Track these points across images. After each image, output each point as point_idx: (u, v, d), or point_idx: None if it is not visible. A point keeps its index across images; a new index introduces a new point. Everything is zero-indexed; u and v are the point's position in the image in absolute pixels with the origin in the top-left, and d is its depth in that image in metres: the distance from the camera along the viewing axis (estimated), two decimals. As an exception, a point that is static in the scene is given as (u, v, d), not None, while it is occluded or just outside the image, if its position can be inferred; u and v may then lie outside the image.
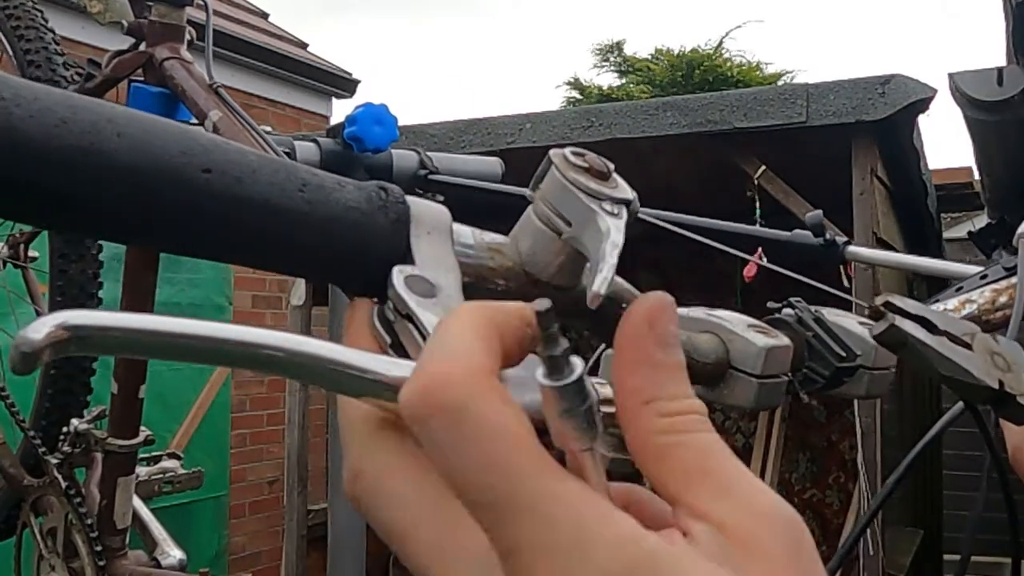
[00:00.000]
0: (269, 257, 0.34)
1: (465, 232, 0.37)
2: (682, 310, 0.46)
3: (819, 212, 1.08)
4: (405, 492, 0.29)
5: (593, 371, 0.31)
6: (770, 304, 0.50)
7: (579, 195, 0.36)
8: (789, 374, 0.45)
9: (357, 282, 0.35)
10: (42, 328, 0.27)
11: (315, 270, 0.36)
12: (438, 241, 0.35)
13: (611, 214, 0.35)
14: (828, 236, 1.08)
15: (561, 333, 0.27)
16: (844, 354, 0.48)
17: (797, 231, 1.11)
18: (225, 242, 0.33)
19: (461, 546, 0.27)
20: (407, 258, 0.34)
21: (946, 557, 5.05)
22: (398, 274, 0.33)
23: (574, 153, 0.37)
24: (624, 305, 0.32)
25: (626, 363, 0.29)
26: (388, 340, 0.33)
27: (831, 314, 0.50)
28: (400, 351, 0.33)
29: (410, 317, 0.32)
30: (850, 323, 0.49)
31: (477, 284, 0.37)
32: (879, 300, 0.44)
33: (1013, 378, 0.44)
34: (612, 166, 0.37)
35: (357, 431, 0.31)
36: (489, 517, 0.25)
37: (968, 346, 0.44)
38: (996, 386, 0.43)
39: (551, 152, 0.36)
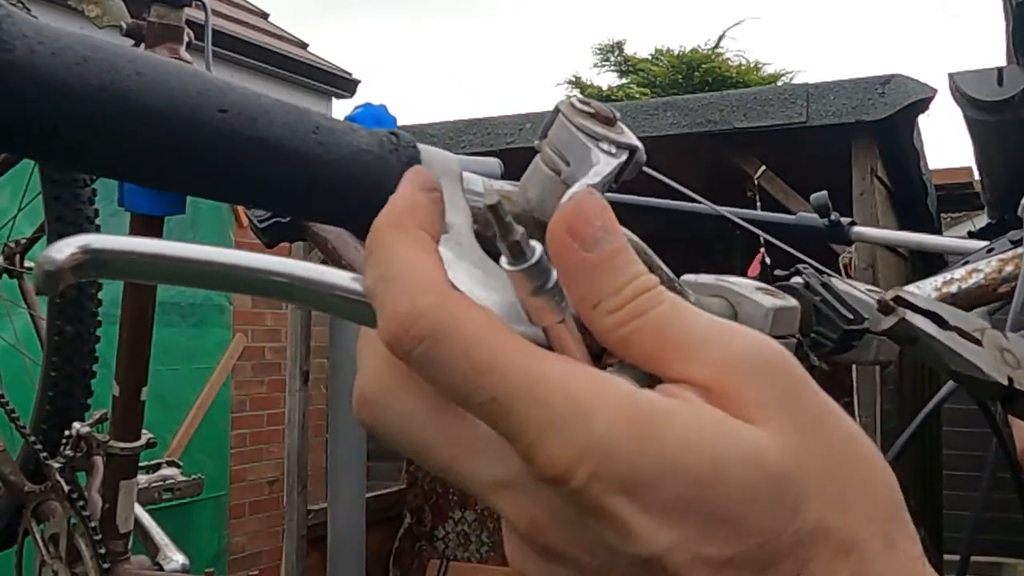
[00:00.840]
0: (281, 198, 0.35)
1: (475, 179, 0.38)
2: (691, 276, 0.47)
3: (824, 193, 1.08)
4: (409, 408, 0.30)
5: None
6: (778, 271, 0.50)
7: (579, 135, 0.36)
8: (798, 336, 0.46)
9: (368, 224, 0.36)
10: (65, 249, 0.27)
11: (327, 212, 0.37)
12: (448, 185, 0.36)
13: (607, 152, 0.36)
14: (833, 217, 1.07)
15: (515, 221, 0.28)
16: (852, 317, 0.48)
17: (802, 214, 1.11)
18: (239, 182, 0.34)
19: (473, 443, 0.29)
20: None
21: (946, 557, 5.05)
22: None
23: (581, 101, 0.37)
24: None
25: (564, 277, 0.29)
26: None
27: (839, 281, 0.50)
28: None
29: None
30: (858, 291, 0.49)
31: (486, 231, 0.37)
32: (889, 294, 0.44)
33: (1023, 375, 0.44)
34: (618, 114, 0.37)
35: (365, 357, 0.32)
36: (490, 414, 0.27)
37: (978, 342, 0.44)
38: (1005, 382, 0.43)
39: (559, 101, 0.37)
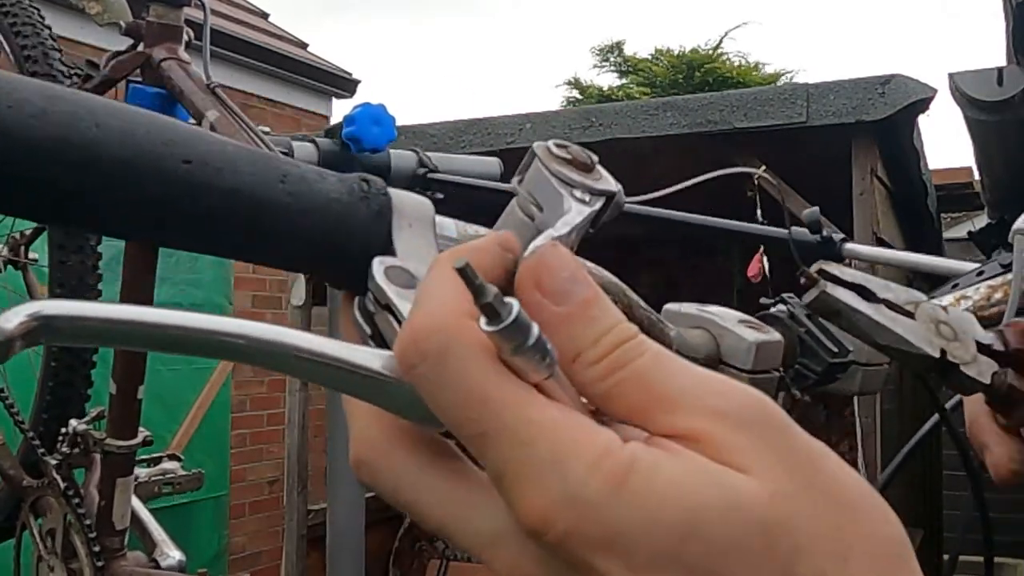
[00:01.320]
0: (249, 249, 0.34)
1: (448, 224, 0.37)
2: (673, 305, 0.46)
3: (816, 209, 1.08)
4: (400, 468, 0.31)
5: None
6: (763, 300, 0.50)
7: (552, 181, 0.36)
8: (781, 370, 0.45)
9: (339, 274, 0.35)
10: (14, 318, 0.27)
11: (296, 262, 0.36)
12: (420, 233, 0.35)
13: (580, 200, 0.35)
14: (825, 233, 1.07)
15: (486, 282, 0.28)
16: (836, 349, 0.47)
17: (795, 228, 1.11)
18: (205, 234, 0.33)
19: (465, 499, 0.30)
20: (388, 249, 0.34)
21: (946, 557, 5.05)
22: (379, 265, 0.33)
23: (557, 145, 0.37)
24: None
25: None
26: (368, 331, 0.33)
27: None
28: (380, 342, 0.33)
29: (389, 308, 0.32)
30: None
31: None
32: (814, 267, 0.44)
33: (958, 347, 0.43)
34: (596, 158, 0.37)
35: (353, 424, 0.32)
36: (479, 446, 0.27)
37: (910, 315, 0.43)
38: (936, 355, 0.42)
39: (535, 144, 0.37)
